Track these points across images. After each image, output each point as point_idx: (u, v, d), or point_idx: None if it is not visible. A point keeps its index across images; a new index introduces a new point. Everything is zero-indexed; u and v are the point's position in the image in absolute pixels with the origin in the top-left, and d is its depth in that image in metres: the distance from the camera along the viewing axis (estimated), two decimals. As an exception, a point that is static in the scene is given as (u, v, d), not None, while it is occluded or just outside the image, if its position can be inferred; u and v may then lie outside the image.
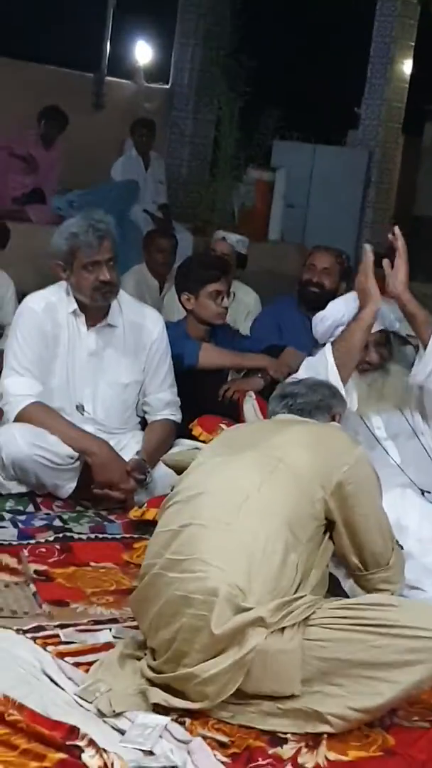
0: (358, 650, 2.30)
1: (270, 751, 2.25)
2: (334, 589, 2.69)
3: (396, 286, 3.38)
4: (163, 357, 3.95)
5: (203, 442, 3.67)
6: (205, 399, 4.10)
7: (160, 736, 2.22)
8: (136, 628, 2.59)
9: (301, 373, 3.31)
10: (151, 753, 2.17)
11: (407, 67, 11.77)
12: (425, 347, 3.36)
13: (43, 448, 3.59)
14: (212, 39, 10.40)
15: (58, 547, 3.28)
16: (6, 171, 8.39)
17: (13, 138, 8.47)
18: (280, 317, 4.81)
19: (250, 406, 3.93)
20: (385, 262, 3.41)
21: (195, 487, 2.52)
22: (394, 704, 2.35)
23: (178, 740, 2.23)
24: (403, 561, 2.73)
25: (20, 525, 3.44)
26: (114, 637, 2.70)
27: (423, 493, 3.31)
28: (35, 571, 3.08)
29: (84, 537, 3.41)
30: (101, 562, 3.23)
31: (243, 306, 6.01)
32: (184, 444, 3.83)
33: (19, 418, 3.67)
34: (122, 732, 2.24)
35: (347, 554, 2.59)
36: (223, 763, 2.18)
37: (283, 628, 2.30)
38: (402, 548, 2.86)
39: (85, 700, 2.34)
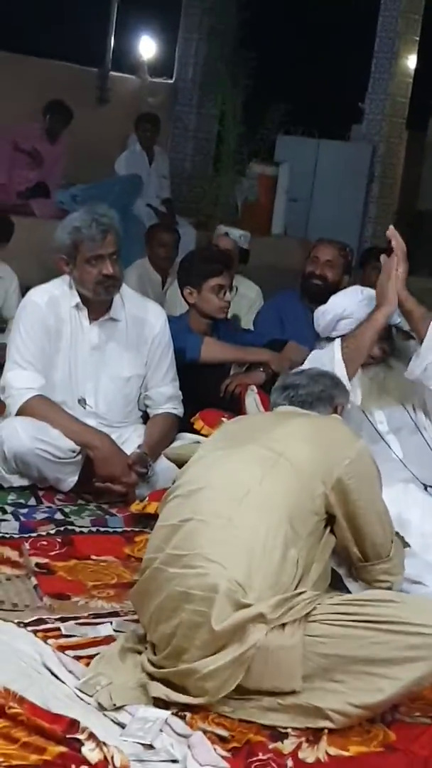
0: (358, 646, 2.29)
1: (270, 746, 2.25)
2: (335, 584, 2.68)
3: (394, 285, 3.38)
4: (165, 351, 3.94)
5: (205, 436, 3.66)
6: (206, 393, 4.09)
7: (161, 730, 2.22)
8: (137, 621, 2.59)
9: (306, 366, 3.30)
10: (151, 747, 2.17)
11: (411, 62, 11.74)
12: (420, 343, 3.36)
13: (45, 442, 3.59)
14: (216, 34, 10.38)
15: (59, 540, 3.28)
16: (11, 165, 8.40)
17: (18, 132, 8.48)
18: (282, 311, 4.80)
19: (252, 399, 3.92)
20: (383, 258, 3.41)
21: (196, 481, 2.52)
22: (395, 700, 2.34)
23: (179, 734, 2.23)
24: (403, 553, 2.73)
25: (22, 518, 3.44)
26: (115, 630, 2.70)
27: (425, 488, 3.31)
28: (36, 564, 3.08)
29: (85, 530, 3.41)
30: (102, 555, 3.23)
31: (245, 300, 6.01)
32: (185, 438, 3.83)
33: (21, 412, 3.67)
34: (122, 725, 2.24)
35: (348, 545, 2.59)
36: (223, 757, 2.17)
37: (283, 624, 2.30)
38: (409, 546, 2.85)
39: (86, 694, 2.34)
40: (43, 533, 3.32)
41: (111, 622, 2.75)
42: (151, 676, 2.39)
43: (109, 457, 3.61)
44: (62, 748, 2.06)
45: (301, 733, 2.30)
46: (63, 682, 2.38)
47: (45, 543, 3.25)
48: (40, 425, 3.61)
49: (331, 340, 3.48)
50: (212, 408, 3.93)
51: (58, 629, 2.67)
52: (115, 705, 2.30)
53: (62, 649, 2.54)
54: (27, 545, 3.20)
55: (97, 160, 9.04)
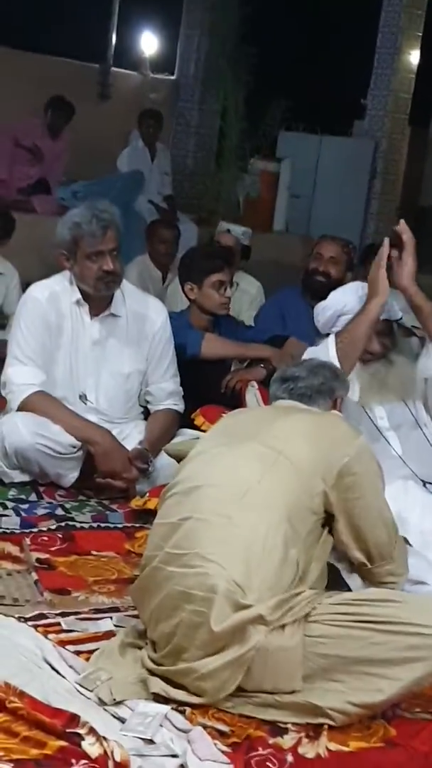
0: (358, 647, 2.30)
1: (270, 741, 2.25)
2: (335, 580, 2.67)
3: (403, 279, 3.37)
4: (166, 347, 3.94)
5: (205, 432, 3.66)
6: (207, 389, 4.09)
7: (161, 725, 2.23)
8: (137, 617, 2.59)
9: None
10: (151, 741, 2.17)
11: (414, 57, 11.72)
12: (431, 339, 3.35)
13: (46, 438, 3.59)
14: (218, 30, 10.37)
15: (60, 535, 3.29)
16: (11, 162, 8.39)
17: (19, 128, 8.47)
18: (284, 307, 4.80)
19: (253, 395, 3.92)
20: (394, 253, 3.40)
21: (195, 478, 2.51)
22: (395, 701, 2.34)
23: (179, 729, 2.24)
24: (406, 552, 2.71)
25: (23, 513, 3.44)
26: (115, 625, 2.70)
27: (425, 485, 3.30)
28: (37, 560, 3.08)
29: (86, 526, 3.42)
30: (103, 551, 3.23)
31: (247, 296, 6.01)
32: (186, 434, 3.83)
33: (22, 407, 3.68)
34: (123, 720, 2.25)
35: (350, 549, 2.55)
36: (223, 752, 2.18)
37: (283, 625, 2.30)
38: (410, 545, 2.85)
39: (86, 689, 2.34)
40: (44, 529, 3.33)
41: (111, 618, 2.75)
42: (151, 672, 2.39)
43: (109, 452, 3.61)
44: (62, 743, 2.07)
45: (301, 729, 2.30)
46: (63, 676, 2.39)
47: (46, 538, 3.26)
48: (41, 421, 3.62)
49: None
50: (213, 404, 3.93)
51: (59, 624, 2.67)
52: (115, 700, 2.30)
53: (63, 644, 2.54)
54: (28, 541, 3.20)
55: (98, 156, 9.03)
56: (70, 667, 2.43)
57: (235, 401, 3.99)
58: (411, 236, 3.39)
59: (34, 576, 2.96)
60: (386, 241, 3.41)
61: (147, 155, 8.97)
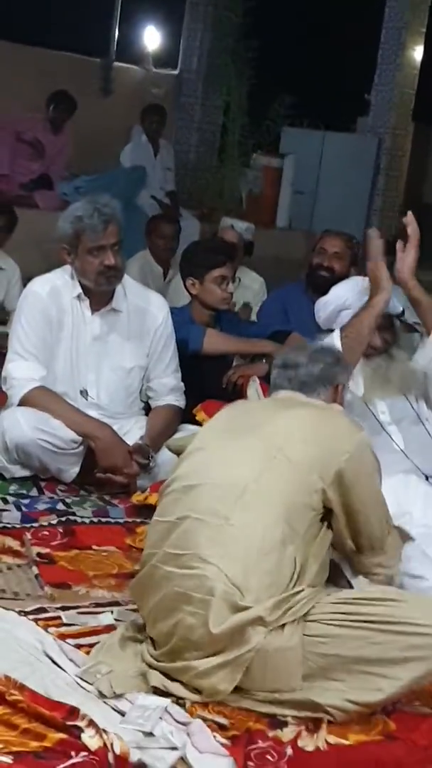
0: (358, 646, 2.30)
1: (270, 734, 2.26)
2: (335, 577, 2.67)
3: (403, 272, 3.37)
4: (168, 342, 3.94)
5: (206, 427, 3.66)
6: (209, 384, 4.09)
7: (160, 718, 2.23)
8: (137, 611, 2.60)
9: None
10: (151, 734, 2.18)
11: (418, 53, 11.72)
12: (428, 332, 3.35)
13: (47, 433, 3.59)
14: (221, 24, 10.36)
15: (60, 530, 3.29)
16: (14, 157, 8.38)
17: (21, 123, 8.46)
18: (286, 303, 4.79)
19: (254, 391, 3.92)
20: (399, 244, 3.40)
21: (193, 476, 2.49)
22: (394, 699, 2.34)
23: (178, 722, 2.24)
24: (401, 545, 2.70)
25: (24, 508, 3.45)
26: (115, 619, 2.71)
27: (427, 479, 3.31)
28: (38, 554, 3.09)
29: (87, 521, 3.42)
30: (104, 545, 3.24)
31: (249, 292, 6.01)
32: (188, 429, 3.83)
33: (22, 402, 3.67)
34: (122, 713, 2.25)
35: (343, 538, 2.56)
36: (222, 745, 2.18)
37: (282, 625, 2.30)
38: (413, 540, 2.84)
39: (86, 682, 2.35)
40: (45, 523, 3.33)
41: (112, 611, 2.76)
42: (151, 666, 2.40)
43: (110, 448, 3.61)
44: (62, 735, 2.08)
45: (301, 722, 2.31)
46: (64, 670, 2.39)
47: (46, 533, 3.26)
48: (42, 416, 3.62)
49: (332, 331, 3.48)
50: (214, 399, 3.93)
51: (59, 618, 2.68)
52: (115, 693, 2.31)
53: (63, 637, 2.55)
54: (29, 535, 3.21)
55: (100, 151, 9.03)
56: (71, 660, 2.44)
57: (237, 397, 3.98)
58: (417, 229, 3.39)
59: (35, 570, 2.97)
60: (371, 233, 3.41)
61: (150, 150, 8.96)
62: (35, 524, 3.31)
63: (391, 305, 3.49)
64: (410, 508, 3.06)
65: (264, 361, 4.25)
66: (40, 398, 3.66)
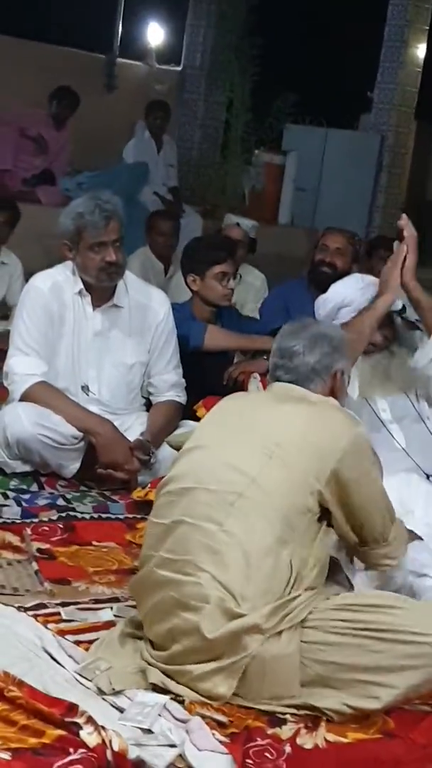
0: (355, 654, 2.30)
1: (269, 732, 2.26)
2: (333, 572, 2.66)
3: (403, 273, 3.37)
4: (169, 338, 3.94)
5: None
6: (210, 380, 4.09)
7: (159, 715, 2.23)
8: (137, 607, 2.59)
9: None
10: (149, 731, 2.18)
11: (421, 51, 11.69)
12: (429, 333, 3.35)
13: (48, 428, 3.59)
14: (224, 21, 10.35)
15: (61, 526, 3.29)
16: (16, 152, 8.38)
17: (24, 119, 8.46)
18: (288, 299, 4.79)
19: (255, 387, 3.91)
20: (399, 245, 3.39)
21: (188, 477, 2.47)
22: (391, 707, 2.33)
23: (177, 719, 2.24)
24: (405, 535, 2.66)
25: (24, 504, 3.44)
26: (115, 616, 2.71)
27: (428, 478, 3.30)
28: (38, 550, 3.09)
29: (87, 516, 3.42)
30: (104, 541, 3.23)
31: (252, 289, 6.01)
32: (189, 425, 3.83)
33: (24, 398, 3.67)
34: (121, 710, 2.25)
35: (345, 533, 2.53)
36: (221, 742, 2.18)
37: (280, 632, 2.30)
38: (422, 539, 2.83)
39: (85, 678, 2.35)
40: (45, 519, 3.33)
41: (111, 608, 2.76)
42: (150, 663, 2.40)
43: (111, 443, 3.61)
44: (61, 732, 2.07)
45: (300, 720, 2.31)
46: (63, 666, 2.39)
47: (47, 529, 3.25)
48: (43, 411, 3.61)
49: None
50: (215, 395, 3.92)
51: (59, 614, 2.68)
52: (114, 689, 2.30)
53: (62, 633, 2.55)
54: (29, 530, 3.20)
55: (103, 147, 9.02)
56: (70, 656, 2.43)
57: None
58: (413, 231, 3.39)
59: (35, 566, 2.97)
60: (405, 240, 3.40)
61: (153, 147, 8.95)
62: (35, 520, 3.31)
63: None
64: (412, 506, 3.06)
65: (265, 357, 4.23)
66: (41, 394, 3.66)
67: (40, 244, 6.38)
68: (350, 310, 3.48)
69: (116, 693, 2.30)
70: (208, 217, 8.73)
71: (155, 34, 11.01)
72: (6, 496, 3.50)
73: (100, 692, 2.30)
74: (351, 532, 2.53)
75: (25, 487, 3.62)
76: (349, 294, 3.48)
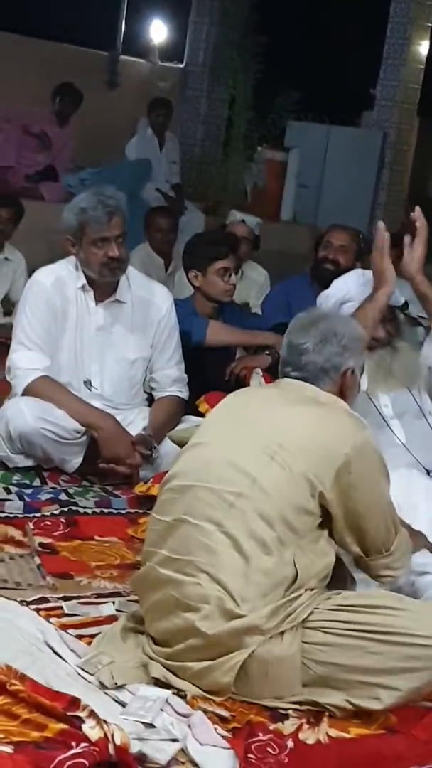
0: (356, 656, 2.30)
1: (271, 727, 2.26)
2: (338, 568, 2.65)
3: (411, 267, 3.36)
4: (171, 333, 3.94)
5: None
6: (212, 376, 4.09)
7: (161, 709, 2.23)
8: (139, 602, 2.59)
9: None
10: (151, 725, 2.18)
11: (424, 48, 11.67)
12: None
13: (50, 422, 3.59)
14: (227, 18, 10.35)
15: (63, 520, 3.30)
16: (19, 149, 8.38)
17: (28, 115, 8.45)
18: (291, 295, 4.79)
19: (257, 382, 3.91)
20: (407, 239, 3.38)
21: (191, 474, 2.45)
22: (392, 708, 2.33)
23: (179, 713, 2.24)
24: (409, 546, 2.63)
25: (26, 498, 3.45)
26: (117, 610, 2.71)
27: (428, 473, 3.30)
28: (40, 544, 3.09)
29: (89, 511, 3.43)
30: (106, 536, 3.24)
31: (254, 285, 6.01)
32: (191, 420, 3.83)
33: (26, 392, 3.67)
34: (123, 704, 2.25)
35: (347, 543, 2.48)
36: (223, 737, 2.18)
37: (282, 632, 2.30)
38: (428, 540, 2.82)
39: (87, 672, 2.35)
40: (47, 513, 3.33)
41: (113, 602, 2.76)
42: (151, 657, 2.40)
43: (113, 438, 3.61)
44: (63, 726, 2.07)
45: (302, 715, 2.31)
46: (65, 660, 2.39)
47: (49, 523, 3.26)
48: (46, 406, 3.62)
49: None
50: (217, 391, 3.92)
51: (61, 608, 2.68)
52: (116, 684, 2.31)
53: (64, 627, 2.55)
54: (31, 525, 3.21)
55: (106, 144, 9.02)
56: (72, 650, 2.44)
57: (240, 388, 3.97)
58: (425, 223, 3.38)
59: (37, 560, 2.97)
60: (381, 225, 3.39)
61: (156, 143, 8.95)
62: (38, 514, 3.32)
63: (393, 297, 3.48)
64: (414, 502, 3.05)
65: (267, 352, 4.24)
66: (43, 388, 3.66)
67: (44, 240, 6.38)
68: (352, 305, 3.47)
69: (118, 687, 2.30)
70: (210, 214, 8.73)
71: (158, 31, 10.99)
72: (8, 491, 3.50)
73: (102, 686, 2.30)
74: (354, 545, 2.48)
75: (27, 481, 3.62)
76: (350, 289, 3.48)
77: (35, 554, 3.01)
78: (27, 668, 2.24)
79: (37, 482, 3.63)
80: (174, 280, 5.99)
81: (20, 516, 3.28)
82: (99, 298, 3.82)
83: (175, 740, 2.15)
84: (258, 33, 9.85)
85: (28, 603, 2.65)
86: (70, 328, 3.78)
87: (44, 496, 3.49)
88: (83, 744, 2.02)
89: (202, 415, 3.82)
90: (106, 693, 2.28)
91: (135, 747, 2.08)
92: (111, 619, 2.64)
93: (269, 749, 2.18)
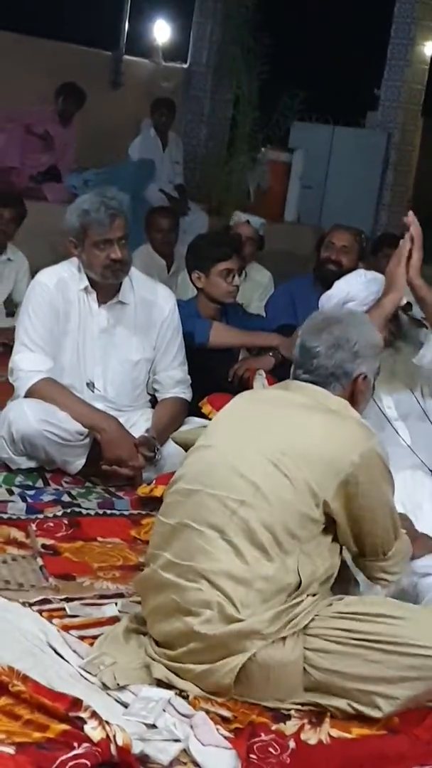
0: (356, 664, 2.31)
1: (273, 727, 2.26)
2: (341, 570, 2.65)
3: (409, 272, 3.36)
4: (174, 334, 3.94)
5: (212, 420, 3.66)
6: (215, 377, 4.09)
7: (164, 710, 2.23)
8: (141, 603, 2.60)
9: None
10: (153, 726, 2.18)
11: (428, 48, 11.66)
12: (435, 331, 3.35)
13: (53, 424, 3.59)
14: (231, 18, 10.34)
15: (65, 522, 3.30)
16: (23, 149, 8.38)
17: (31, 115, 8.45)
18: (295, 296, 4.80)
19: (260, 384, 3.92)
20: (403, 242, 3.38)
21: (196, 478, 2.45)
22: (392, 716, 2.33)
23: (182, 714, 2.25)
24: (408, 552, 2.62)
25: (29, 500, 3.45)
26: (119, 611, 2.71)
27: (433, 474, 3.30)
28: (43, 545, 3.10)
29: (92, 513, 3.43)
30: (108, 537, 3.24)
31: (258, 286, 6.01)
32: (194, 422, 3.84)
33: (29, 394, 3.68)
34: (126, 705, 2.26)
35: (346, 541, 2.49)
36: (225, 737, 2.19)
37: (284, 637, 2.30)
38: None
39: (90, 673, 2.36)
40: (50, 515, 3.34)
41: (116, 603, 2.76)
42: (154, 658, 2.40)
43: (116, 440, 3.61)
44: (65, 726, 2.07)
45: (304, 715, 2.32)
46: (67, 661, 2.40)
47: (51, 524, 3.27)
48: (48, 407, 3.62)
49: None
50: (220, 392, 3.92)
51: (63, 609, 2.69)
52: (118, 684, 2.31)
53: (67, 629, 2.56)
54: (33, 526, 3.21)
55: (109, 144, 9.02)
56: (74, 651, 2.44)
57: (243, 390, 3.97)
58: (419, 228, 3.38)
59: (40, 561, 2.97)
60: (407, 235, 3.38)
61: (158, 144, 8.96)
62: (40, 515, 3.32)
63: None
64: (418, 502, 3.05)
65: (270, 354, 4.24)
66: (46, 390, 3.67)
67: (47, 240, 6.39)
68: (354, 305, 3.46)
69: (120, 688, 2.31)
70: (214, 215, 8.73)
71: (162, 31, 10.99)
72: (11, 492, 3.50)
73: (105, 687, 2.31)
74: (353, 545, 2.49)
75: (30, 483, 3.62)
76: (352, 289, 3.48)
77: (38, 555, 3.01)
78: (29, 669, 2.25)
79: (39, 484, 3.64)
80: (176, 280, 6.00)
81: (23, 517, 3.29)
82: (102, 300, 3.82)
83: (177, 741, 2.15)
84: (262, 33, 9.83)
85: (31, 604, 2.65)
86: (73, 330, 3.79)
87: (47, 498, 3.50)
88: (85, 744, 2.03)
89: (205, 416, 3.83)
90: (108, 694, 2.29)
91: (137, 747, 2.08)
92: (113, 620, 2.64)
93: (271, 750, 2.18)
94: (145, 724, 2.18)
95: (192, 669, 2.32)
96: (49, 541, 3.14)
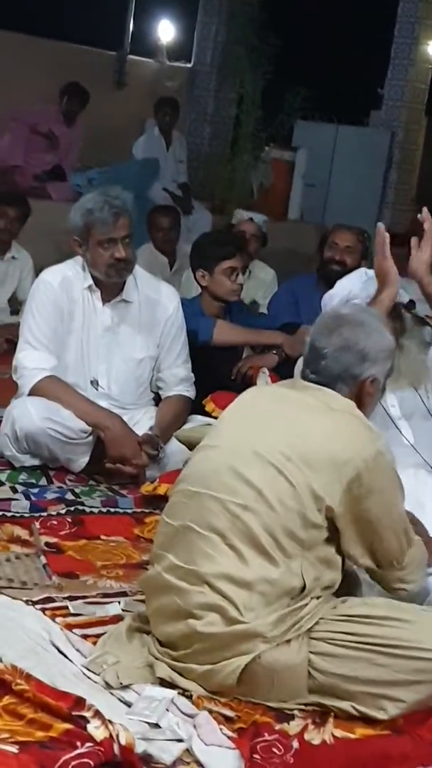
0: (361, 668, 2.30)
1: (277, 727, 2.25)
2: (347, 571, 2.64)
3: (418, 269, 3.34)
4: (178, 333, 3.94)
5: (216, 418, 3.65)
6: (219, 375, 4.09)
7: (167, 709, 2.23)
8: (145, 602, 2.59)
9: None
10: (157, 726, 2.18)
11: (431, 48, 11.66)
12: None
13: (57, 422, 3.59)
14: (235, 17, 10.35)
15: (69, 520, 3.30)
16: (27, 148, 8.38)
17: (36, 114, 8.46)
18: (298, 295, 4.79)
19: (264, 382, 3.91)
20: (414, 241, 3.37)
21: (199, 480, 2.44)
22: (397, 719, 2.32)
23: (185, 714, 2.24)
24: (424, 558, 2.59)
25: (32, 498, 3.45)
26: (123, 610, 2.71)
27: (436, 474, 3.29)
28: (46, 543, 3.09)
29: (95, 511, 3.42)
30: (112, 535, 3.24)
31: (261, 284, 6.01)
32: (197, 420, 3.84)
33: (33, 392, 3.68)
34: (129, 704, 2.25)
35: (355, 556, 2.44)
36: (229, 737, 2.18)
37: (288, 640, 2.30)
38: None
39: (93, 672, 2.35)
40: (54, 513, 3.33)
41: (119, 602, 2.76)
42: (157, 658, 2.40)
43: (120, 438, 3.61)
44: (68, 725, 2.07)
45: (308, 715, 2.31)
46: (70, 660, 2.39)
47: (55, 522, 3.26)
48: (52, 405, 3.62)
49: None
50: (224, 390, 3.92)
51: (66, 608, 2.68)
52: (121, 684, 2.31)
53: (70, 627, 2.55)
54: (37, 524, 3.21)
55: (113, 143, 9.02)
56: (77, 650, 2.44)
57: (247, 388, 3.96)
58: None
59: (43, 560, 2.97)
60: (380, 226, 3.36)
61: (162, 143, 8.96)
62: (44, 514, 3.32)
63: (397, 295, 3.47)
64: (422, 501, 3.05)
65: (274, 352, 4.24)
66: (50, 388, 3.66)
67: (51, 239, 6.39)
68: (357, 303, 3.46)
69: (124, 687, 2.30)
70: (217, 213, 8.73)
71: (166, 31, 10.99)
72: (15, 490, 3.50)
73: (108, 686, 2.30)
74: (366, 558, 2.45)
75: (33, 481, 3.62)
76: (354, 288, 3.48)
77: (41, 554, 3.01)
78: (32, 668, 2.24)
79: (43, 482, 3.64)
80: (180, 279, 6.00)
81: (26, 515, 3.29)
82: (106, 298, 3.82)
83: (180, 740, 2.15)
84: (266, 32, 9.83)
85: (34, 602, 2.64)
86: (77, 328, 3.78)
87: (50, 496, 3.50)
88: (88, 744, 2.02)
89: (208, 414, 3.83)
90: (111, 693, 2.28)
91: (140, 747, 2.08)
92: (117, 618, 2.63)
93: (275, 749, 2.17)
94: (148, 724, 2.18)
95: (195, 669, 2.32)
96: (53, 539, 3.13)
